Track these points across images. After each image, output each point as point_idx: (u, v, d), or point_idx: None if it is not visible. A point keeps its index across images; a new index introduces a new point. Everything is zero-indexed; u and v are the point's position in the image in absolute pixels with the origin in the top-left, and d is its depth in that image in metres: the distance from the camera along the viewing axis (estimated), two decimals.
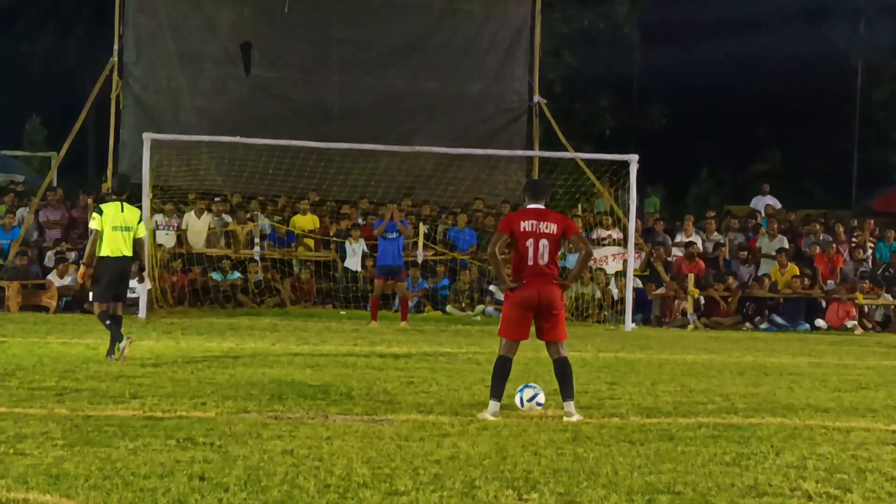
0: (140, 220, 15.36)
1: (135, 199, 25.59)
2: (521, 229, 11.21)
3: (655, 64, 47.46)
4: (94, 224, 15.04)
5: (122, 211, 15.14)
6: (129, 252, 15.07)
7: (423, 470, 8.59)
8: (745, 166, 48.99)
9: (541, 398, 11.78)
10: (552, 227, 11.22)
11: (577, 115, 45.01)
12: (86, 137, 39.56)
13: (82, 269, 15.27)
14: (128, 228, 15.05)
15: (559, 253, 11.52)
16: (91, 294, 15.80)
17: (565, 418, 11.13)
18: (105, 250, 14.95)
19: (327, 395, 12.31)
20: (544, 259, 11.21)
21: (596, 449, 9.70)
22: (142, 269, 15.73)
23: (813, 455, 9.73)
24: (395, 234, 22.47)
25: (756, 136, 49.18)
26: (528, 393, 11.81)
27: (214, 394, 12.07)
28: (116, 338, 14.67)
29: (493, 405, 11.17)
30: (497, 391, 11.19)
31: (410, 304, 25.27)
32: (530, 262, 11.18)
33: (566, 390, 11.27)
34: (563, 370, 11.29)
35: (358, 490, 7.82)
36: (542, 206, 11.46)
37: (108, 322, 14.88)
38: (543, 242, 11.18)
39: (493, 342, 21.95)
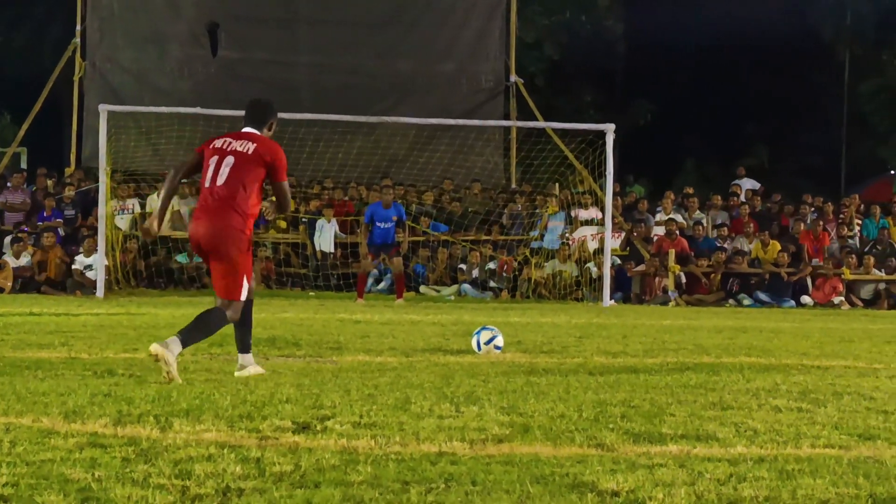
0: None
1: (93, 179, 24.80)
2: (211, 147, 8.90)
3: (639, 58, 46.64)
4: None
5: None
6: None
7: (357, 391, 7.82)
8: (732, 162, 48.16)
9: (499, 341, 11.01)
10: (248, 147, 8.79)
11: (560, 110, 44.08)
12: (61, 132, 38.64)
13: None
14: None
15: None
16: None
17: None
18: None
19: (273, 343, 11.51)
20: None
21: (551, 378, 8.94)
22: None
23: (787, 382, 8.98)
24: (389, 224, 21.67)
25: (743, 132, 48.39)
26: (485, 335, 11.03)
27: (151, 341, 11.25)
28: None
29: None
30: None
31: (382, 286, 24.49)
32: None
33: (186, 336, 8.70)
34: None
35: (278, 405, 7.03)
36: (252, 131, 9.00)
37: None
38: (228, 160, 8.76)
39: (464, 313, 21.17)
